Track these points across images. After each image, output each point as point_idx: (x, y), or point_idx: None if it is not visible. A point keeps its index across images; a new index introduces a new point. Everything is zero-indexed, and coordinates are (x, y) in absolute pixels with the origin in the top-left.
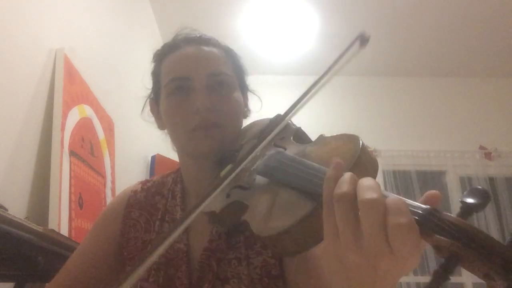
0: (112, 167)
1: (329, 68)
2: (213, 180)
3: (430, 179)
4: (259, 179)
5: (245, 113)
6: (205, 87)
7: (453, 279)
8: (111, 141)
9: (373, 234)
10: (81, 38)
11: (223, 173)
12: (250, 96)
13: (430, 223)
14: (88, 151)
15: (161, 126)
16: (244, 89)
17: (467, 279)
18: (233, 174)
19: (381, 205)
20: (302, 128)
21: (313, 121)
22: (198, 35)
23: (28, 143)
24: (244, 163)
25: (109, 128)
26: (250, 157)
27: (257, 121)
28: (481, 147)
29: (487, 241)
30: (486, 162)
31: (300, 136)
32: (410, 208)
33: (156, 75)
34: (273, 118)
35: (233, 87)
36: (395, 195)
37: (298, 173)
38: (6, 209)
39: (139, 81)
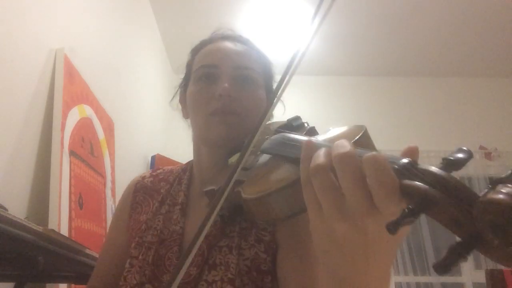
0: (112, 167)
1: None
2: (226, 168)
3: None
4: (261, 159)
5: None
6: (230, 76)
7: (453, 279)
8: (111, 141)
9: (354, 191)
10: (81, 38)
11: (231, 160)
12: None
13: (408, 174)
14: (88, 151)
15: (185, 115)
16: (269, 92)
17: (467, 279)
18: (249, 151)
19: (354, 158)
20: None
21: (313, 121)
22: (235, 34)
23: (28, 143)
24: (251, 147)
25: (109, 128)
26: (254, 141)
27: (276, 121)
28: (481, 147)
29: (462, 187)
30: (486, 162)
31: (311, 133)
32: (389, 160)
33: (189, 66)
34: (291, 117)
35: (258, 85)
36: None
37: (297, 145)
38: (6, 209)
39: (139, 81)
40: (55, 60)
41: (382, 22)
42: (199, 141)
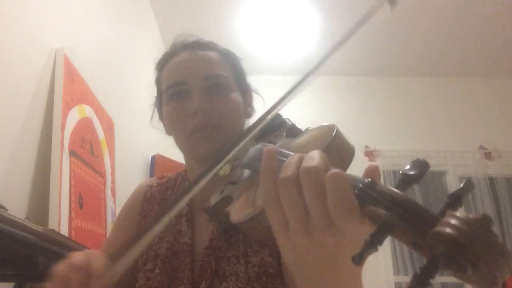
0: (112, 167)
1: (357, 24)
2: (218, 181)
3: (430, 179)
4: (246, 173)
5: (248, 112)
6: (201, 89)
7: (453, 279)
8: (111, 141)
9: (315, 205)
10: (81, 38)
11: (220, 172)
12: (254, 96)
13: (368, 196)
14: (88, 151)
15: (168, 131)
16: (245, 89)
17: None
18: (220, 164)
19: (320, 172)
20: (297, 125)
21: (313, 121)
22: (194, 40)
23: (28, 143)
24: (228, 157)
25: (109, 128)
26: (234, 151)
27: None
28: (481, 147)
29: (419, 211)
30: (486, 162)
31: (293, 132)
32: (350, 181)
33: (158, 83)
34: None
35: (230, 88)
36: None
37: None
38: (6, 209)
39: (139, 81)
40: (55, 60)
41: (382, 22)
42: (188, 158)
